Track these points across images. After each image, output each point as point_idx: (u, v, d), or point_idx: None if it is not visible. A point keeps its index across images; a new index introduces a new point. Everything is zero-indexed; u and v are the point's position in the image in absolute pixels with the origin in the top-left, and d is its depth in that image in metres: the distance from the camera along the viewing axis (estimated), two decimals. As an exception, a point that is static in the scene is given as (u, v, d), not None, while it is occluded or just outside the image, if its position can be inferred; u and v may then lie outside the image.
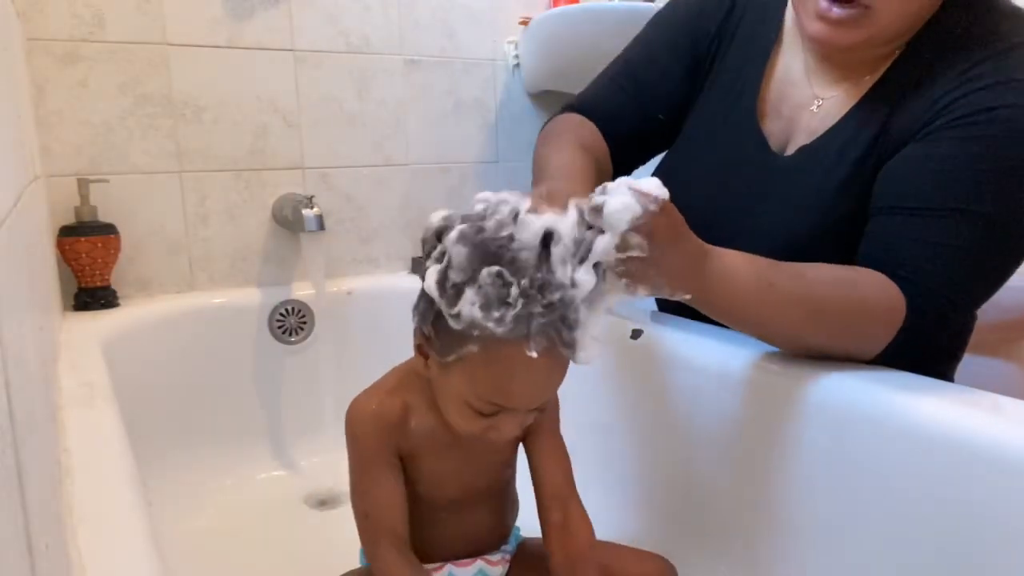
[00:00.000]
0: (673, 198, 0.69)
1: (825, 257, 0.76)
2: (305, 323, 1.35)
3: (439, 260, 0.57)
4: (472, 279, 0.55)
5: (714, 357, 0.84)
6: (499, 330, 0.54)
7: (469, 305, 0.55)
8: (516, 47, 1.56)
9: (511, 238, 0.55)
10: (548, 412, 0.71)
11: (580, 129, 0.97)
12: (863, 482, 0.69)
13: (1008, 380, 1.29)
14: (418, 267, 1.48)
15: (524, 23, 1.52)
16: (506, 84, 1.59)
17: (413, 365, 0.67)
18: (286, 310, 1.34)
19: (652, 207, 0.58)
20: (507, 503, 0.76)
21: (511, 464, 0.74)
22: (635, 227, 0.58)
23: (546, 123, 1.03)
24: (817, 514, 0.73)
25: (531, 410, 0.62)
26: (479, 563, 0.72)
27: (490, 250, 0.55)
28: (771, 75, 0.90)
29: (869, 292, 0.73)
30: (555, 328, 0.55)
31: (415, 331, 0.63)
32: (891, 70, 0.79)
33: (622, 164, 0.99)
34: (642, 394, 0.94)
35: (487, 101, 1.57)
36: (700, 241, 0.68)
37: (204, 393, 1.24)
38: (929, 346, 0.75)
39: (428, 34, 1.48)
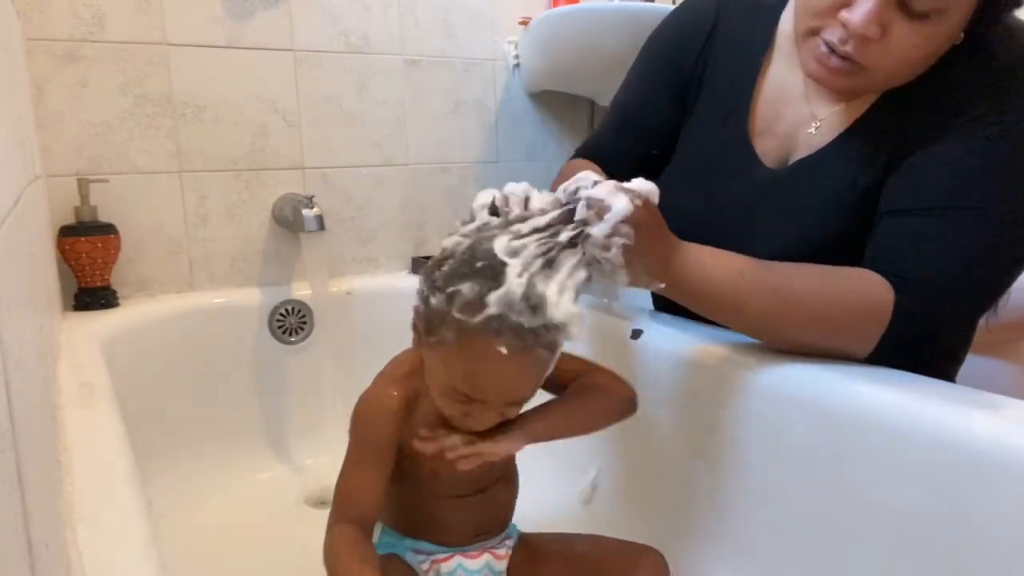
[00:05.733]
0: (666, 214, 0.77)
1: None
2: (305, 323, 1.35)
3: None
4: (459, 276, 0.58)
5: (713, 357, 0.84)
6: (472, 320, 0.56)
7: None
8: (516, 47, 1.56)
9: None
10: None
11: (587, 166, 0.99)
12: (862, 481, 0.69)
13: (1008, 380, 1.29)
14: (418, 267, 1.48)
15: (524, 23, 1.52)
16: (506, 84, 1.59)
17: (417, 354, 0.69)
18: (286, 310, 1.34)
19: (638, 201, 0.66)
20: (516, 481, 0.77)
21: None
22: (625, 218, 0.65)
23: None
24: (815, 513, 0.74)
25: (508, 404, 0.63)
26: (487, 556, 0.72)
27: (477, 258, 0.58)
28: (762, 91, 0.90)
29: (849, 284, 0.74)
30: (531, 333, 0.57)
31: (414, 327, 0.66)
32: (894, 90, 0.79)
33: None
34: (641, 394, 0.94)
35: (487, 101, 1.57)
36: (675, 238, 0.76)
37: (204, 393, 1.24)
38: (931, 344, 0.75)
39: (428, 34, 1.48)
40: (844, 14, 0.71)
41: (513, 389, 0.62)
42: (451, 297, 0.58)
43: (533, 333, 0.57)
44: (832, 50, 0.74)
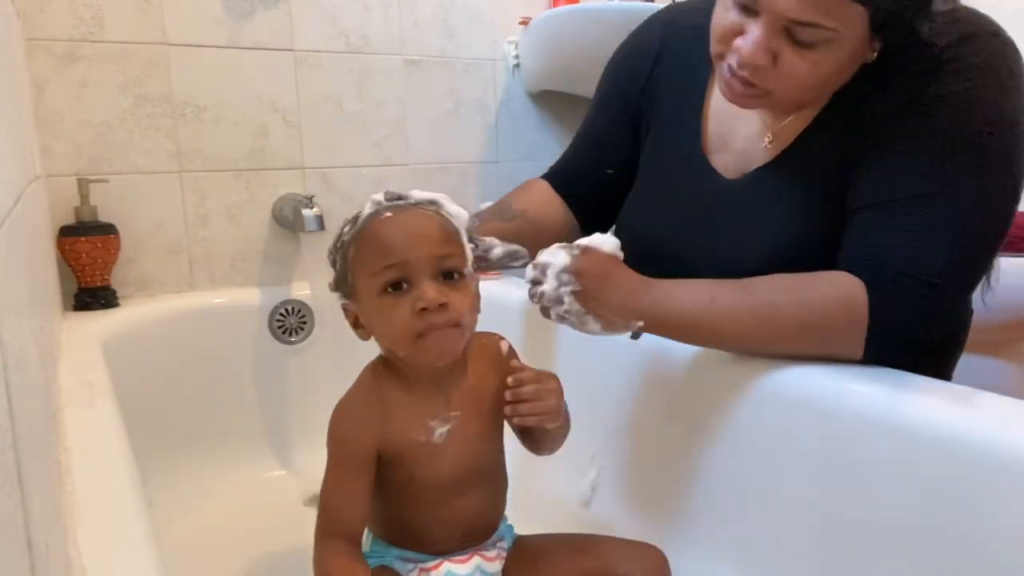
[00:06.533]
0: (632, 238, 0.83)
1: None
2: (305, 323, 1.35)
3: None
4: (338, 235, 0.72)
5: (712, 357, 0.84)
6: (357, 226, 0.68)
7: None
8: (516, 47, 1.56)
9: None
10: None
11: (518, 192, 1.09)
12: (861, 481, 0.69)
13: (1008, 380, 1.30)
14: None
15: (524, 23, 1.52)
16: (506, 84, 1.59)
17: (382, 358, 0.73)
18: (286, 310, 1.34)
19: (575, 251, 0.76)
20: (501, 485, 0.76)
21: (500, 436, 0.75)
22: (564, 269, 0.75)
23: None
24: (814, 513, 0.74)
25: (439, 273, 0.65)
26: (476, 559, 0.72)
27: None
28: (711, 110, 0.92)
29: (824, 290, 0.75)
30: (409, 206, 0.68)
31: (346, 315, 0.72)
32: (841, 94, 0.80)
33: (594, 217, 1.07)
34: (640, 392, 0.94)
35: (487, 101, 1.57)
36: (640, 276, 0.79)
37: (204, 393, 1.24)
38: (917, 335, 0.75)
39: (428, 34, 1.48)
40: (737, 42, 0.74)
41: (424, 239, 0.65)
42: (341, 244, 0.70)
43: (410, 206, 0.68)
44: (733, 74, 0.77)
